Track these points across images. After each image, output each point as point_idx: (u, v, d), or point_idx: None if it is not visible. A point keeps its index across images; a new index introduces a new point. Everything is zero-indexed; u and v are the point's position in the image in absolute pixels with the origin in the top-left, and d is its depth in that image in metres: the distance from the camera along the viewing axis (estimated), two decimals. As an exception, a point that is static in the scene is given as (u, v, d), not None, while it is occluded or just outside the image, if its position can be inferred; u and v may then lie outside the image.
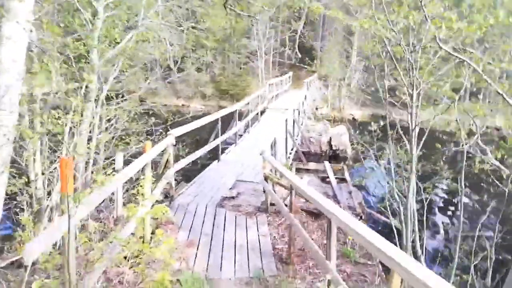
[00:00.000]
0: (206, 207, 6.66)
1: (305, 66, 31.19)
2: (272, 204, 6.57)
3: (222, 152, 10.31)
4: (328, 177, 8.72)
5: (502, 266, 5.15)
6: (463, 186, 4.85)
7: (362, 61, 27.38)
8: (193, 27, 27.33)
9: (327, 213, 3.47)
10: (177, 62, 29.00)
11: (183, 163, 7.60)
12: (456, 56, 4.39)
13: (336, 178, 8.60)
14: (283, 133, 10.88)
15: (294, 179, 4.59)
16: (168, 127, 8.40)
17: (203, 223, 6.02)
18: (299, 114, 13.21)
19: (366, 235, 2.72)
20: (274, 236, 5.67)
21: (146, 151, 5.23)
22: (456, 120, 5.08)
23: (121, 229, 4.35)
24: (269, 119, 15.90)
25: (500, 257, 4.74)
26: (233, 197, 7.16)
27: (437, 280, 1.95)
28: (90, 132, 7.12)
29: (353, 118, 26.83)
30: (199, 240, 5.39)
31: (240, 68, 30.26)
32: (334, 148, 16.13)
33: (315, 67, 30.69)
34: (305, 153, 13.54)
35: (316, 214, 6.41)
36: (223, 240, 5.42)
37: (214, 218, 6.20)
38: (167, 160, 6.85)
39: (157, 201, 5.60)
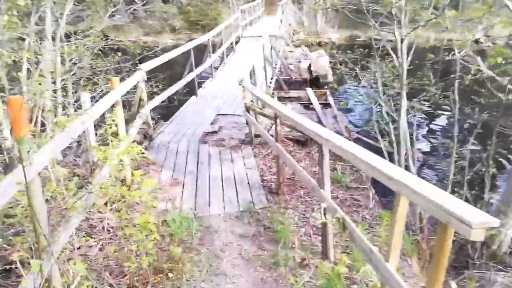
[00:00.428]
0: (188, 144, 6.36)
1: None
2: (256, 136, 6.31)
3: (199, 86, 9.79)
4: (311, 103, 8.42)
5: (494, 179, 5.16)
6: (457, 98, 4.64)
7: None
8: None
9: (317, 137, 3.20)
10: (140, -7, 26.84)
11: (158, 100, 7.14)
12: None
13: (320, 103, 8.32)
14: (261, 61, 10.34)
15: (279, 106, 4.27)
16: (137, 63, 7.78)
17: (186, 161, 5.75)
18: (276, 39, 12.51)
19: (366, 158, 2.47)
20: (262, 168, 5.48)
21: (114, 87, 4.74)
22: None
23: (97, 174, 4.04)
24: (244, 48, 15.15)
25: (494, 170, 4.69)
26: (215, 132, 6.85)
27: (452, 200, 1.73)
28: (52, 73, 6.51)
29: (331, 41, 26.01)
30: (184, 179, 5.16)
31: (209, -4, 28.32)
32: (314, 74, 15.65)
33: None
34: (285, 81, 13.09)
35: (302, 142, 6.21)
36: (209, 177, 5.20)
37: (198, 155, 5.93)
38: (140, 98, 6.38)
39: (134, 141, 5.26)
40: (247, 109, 6.09)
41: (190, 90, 9.53)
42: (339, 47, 25.64)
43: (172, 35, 26.90)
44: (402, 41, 4.60)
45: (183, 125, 7.39)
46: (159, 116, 8.61)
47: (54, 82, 6.17)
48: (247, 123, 6.46)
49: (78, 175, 4.69)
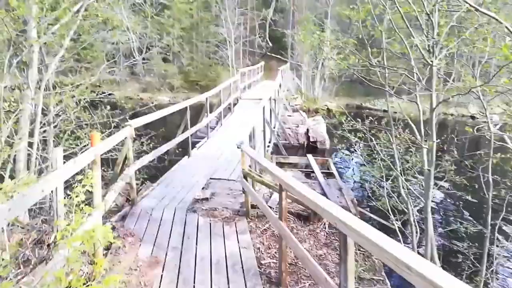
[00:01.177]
0: (174, 213, 5.55)
1: (277, 56, 30.21)
2: (253, 207, 5.55)
3: (193, 146, 9.17)
4: (312, 171, 7.78)
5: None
6: (490, 177, 4.00)
7: (334, 48, 26.64)
8: (156, 14, 25.74)
9: (341, 225, 2.48)
10: (142, 51, 27.37)
11: (146, 159, 6.44)
12: (483, 13, 3.44)
13: (322, 172, 7.67)
14: (260, 124, 9.83)
15: (285, 176, 3.57)
16: (128, 118, 7.19)
17: (170, 233, 4.91)
18: (275, 103, 12.21)
19: (417, 266, 1.74)
20: (258, 248, 4.65)
21: (93, 143, 4.06)
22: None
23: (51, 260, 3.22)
24: (242, 110, 14.86)
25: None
26: (206, 199, 6.08)
27: None
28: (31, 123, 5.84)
29: (327, 108, 26.15)
30: (166, 257, 4.30)
31: (209, 58, 28.93)
32: (312, 139, 15.30)
33: (287, 56, 29.79)
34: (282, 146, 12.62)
35: (304, 217, 5.45)
36: (196, 256, 4.34)
37: (185, 226, 5.11)
38: (126, 157, 5.69)
39: (110, 210, 4.46)
40: (245, 176, 5.38)
41: (183, 150, 8.90)
42: (334, 115, 25.78)
43: (170, 94, 27.00)
44: (433, 110, 4.04)
45: (172, 188, 6.62)
46: (146, 177, 7.87)
47: (32, 134, 5.49)
48: (243, 191, 5.72)
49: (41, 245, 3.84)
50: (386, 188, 5.62)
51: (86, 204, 3.79)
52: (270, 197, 6.07)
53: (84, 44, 8.47)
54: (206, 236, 4.87)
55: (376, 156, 5.94)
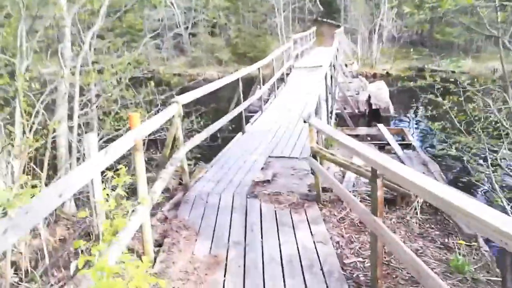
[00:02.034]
0: (233, 198, 4.84)
1: (328, 20, 28.33)
2: (324, 190, 4.67)
3: (247, 122, 8.39)
4: (387, 143, 6.69)
5: None
6: None
7: (393, 7, 24.28)
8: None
9: (498, 237, 1.55)
10: (187, 27, 26.80)
11: (198, 139, 5.74)
12: None
13: (399, 144, 6.56)
14: (320, 94, 8.80)
15: (383, 159, 2.64)
16: (176, 95, 6.53)
17: (230, 224, 4.20)
18: (334, 69, 11.02)
19: None
20: (338, 242, 3.79)
21: (133, 125, 3.36)
22: None
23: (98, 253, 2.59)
24: (297, 79, 13.81)
25: None
26: (268, 181, 5.29)
27: None
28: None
29: (386, 72, 24.18)
30: (227, 255, 3.58)
31: (257, 28, 27.73)
32: (374, 107, 13.94)
33: (340, 20, 27.81)
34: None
35: (389, 201, 4.47)
36: (263, 254, 3.58)
37: (246, 215, 4.37)
38: (175, 137, 5.01)
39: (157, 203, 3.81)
40: (314, 154, 4.49)
41: (237, 126, 8.15)
42: (394, 79, 23.81)
43: (219, 68, 26.34)
44: None
45: (228, 170, 5.91)
46: (199, 157, 7.25)
47: (71, 117, 4.99)
48: (311, 172, 4.84)
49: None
50: (493, 161, 4.45)
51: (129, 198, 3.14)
52: (343, 177, 5.15)
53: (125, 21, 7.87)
54: (272, 227, 4.09)
55: (475, 124, 4.75)
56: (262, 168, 5.82)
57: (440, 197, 1.89)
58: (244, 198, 4.83)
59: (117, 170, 2.83)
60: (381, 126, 7.75)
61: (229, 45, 27.27)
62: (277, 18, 25.49)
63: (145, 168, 3.57)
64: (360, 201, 4.03)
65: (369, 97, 14.14)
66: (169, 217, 4.52)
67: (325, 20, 29.15)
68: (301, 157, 6.22)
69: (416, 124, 13.98)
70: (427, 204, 4.36)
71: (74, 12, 5.27)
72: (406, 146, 6.69)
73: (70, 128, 5.16)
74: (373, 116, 13.82)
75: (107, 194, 2.69)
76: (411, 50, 22.50)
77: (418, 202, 4.29)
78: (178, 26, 26.05)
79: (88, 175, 2.55)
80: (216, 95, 8.87)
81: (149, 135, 6.80)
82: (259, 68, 9.20)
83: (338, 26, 29.03)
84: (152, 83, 6.35)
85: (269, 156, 6.36)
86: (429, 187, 2.01)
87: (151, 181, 4.18)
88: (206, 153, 7.32)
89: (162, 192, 4.79)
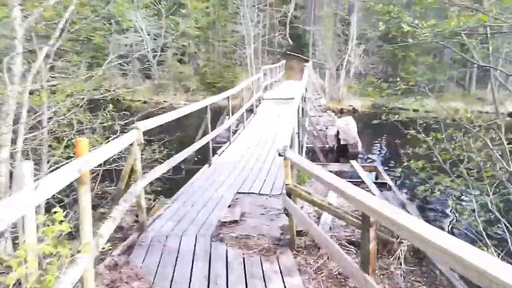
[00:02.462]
0: (195, 241, 4.23)
1: (297, 54, 28.81)
2: (299, 234, 4.19)
3: (214, 153, 7.87)
4: (361, 181, 6.35)
5: None
6: None
7: (361, 44, 25.06)
8: (171, 14, 24.63)
9: None
10: (156, 53, 26.32)
11: (159, 171, 5.13)
12: None
13: (373, 183, 6.25)
14: (290, 127, 8.48)
15: (376, 203, 2.20)
16: (137, 121, 5.95)
17: (191, 274, 3.59)
18: (305, 102, 10.82)
19: None
20: (316, 299, 3.28)
21: (79, 153, 2.77)
22: None
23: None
24: (267, 111, 13.55)
25: None
26: (236, 221, 4.74)
27: None
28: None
29: (353, 109, 24.58)
30: (185, 317, 2.97)
31: (227, 59, 27.70)
32: (343, 142, 13.81)
33: (308, 55, 28.34)
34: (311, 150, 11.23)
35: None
36: (229, 315, 3.00)
37: (210, 264, 3.77)
38: (133, 168, 4.41)
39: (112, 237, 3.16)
40: (289, 193, 4.02)
41: (203, 157, 7.61)
42: (360, 116, 24.25)
43: (186, 96, 25.81)
44: None
45: (191, 206, 5.32)
46: (160, 189, 6.61)
47: (15, 141, 4.28)
48: (285, 213, 4.35)
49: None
50: (481, 201, 4.16)
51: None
52: (318, 218, 4.70)
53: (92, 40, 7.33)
54: (240, 279, 3.52)
55: (458, 165, 4.51)
56: (229, 206, 5.27)
57: (474, 265, 1.45)
58: (208, 241, 4.24)
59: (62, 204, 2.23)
60: (354, 162, 7.48)
61: (197, 73, 26.97)
62: (247, 50, 25.60)
63: (100, 203, 2.98)
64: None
65: (338, 132, 14.05)
66: (119, 263, 3.85)
67: (294, 53, 29.62)
68: (271, 194, 5.75)
69: (384, 162, 13.98)
70: (411, 253, 3.97)
71: (30, 25, 4.68)
72: (381, 185, 6.40)
73: (14, 154, 4.44)
74: (341, 151, 13.68)
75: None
76: (377, 85, 23.06)
77: (401, 250, 3.88)
78: (147, 51, 25.56)
79: (15, 213, 1.94)
80: (182, 123, 8.34)
81: (105, 164, 6.13)
82: (228, 97, 8.80)
83: (307, 61, 29.62)
84: (111, 105, 5.75)
85: (237, 192, 5.84)
86: (452, 247, 1.57)
87: (104, 218, 3.55)
88: (168, 186, 6.69)
89: (115, 230, 4.15)
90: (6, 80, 4.39)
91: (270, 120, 11.67)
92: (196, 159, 7.98)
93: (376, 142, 18.28)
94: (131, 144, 4.29)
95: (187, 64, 27.25)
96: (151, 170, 4.92)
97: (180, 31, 24.70)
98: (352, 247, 4.05)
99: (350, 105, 25.18)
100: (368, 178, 6.42)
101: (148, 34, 24.08)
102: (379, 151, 16.74)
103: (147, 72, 26.90)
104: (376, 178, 6.98)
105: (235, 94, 10.09)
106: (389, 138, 20.21)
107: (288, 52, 29.83)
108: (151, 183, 5.56)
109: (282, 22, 29.80)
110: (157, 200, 6.31)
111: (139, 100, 18.58)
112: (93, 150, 3.29)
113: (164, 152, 6.80)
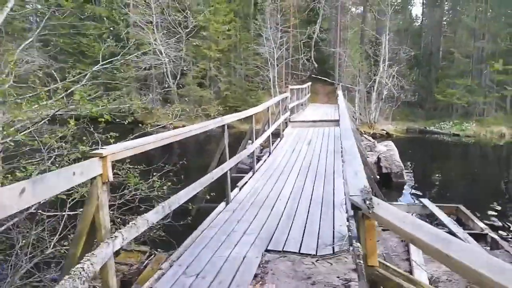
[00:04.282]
0: None
1: (322, 78, 27.14)
2: None
3: (233, 186, 6.03)
4: (448, 231, 4.35)
5: None
6: None
7: (393, 65, 23.20)
8: (191, 36, 23.60)
9: None
10: (176, 77, 25.23)
11: (143, 223, 3.28)
12: None
13: (468, 233, 4.22)
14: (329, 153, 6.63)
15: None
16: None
17: None
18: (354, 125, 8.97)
19: None
20: None
21: None
22: None
23: None
24: (295, 135, 11.73)
25: None
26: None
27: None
28: None
29: (386, 133, 22.48)
30: None
31: (249, 82, 26.29)
32: (385, 170, 11.81)
33: (334, 78, 26.65)
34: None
35: None
36: None
37: None
38: (94, 222, 2.61)
39: None
40: (373, 280, 2.11)
41: (219, 193, 5.78)
42: (394, 140, 22.10)
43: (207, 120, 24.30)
44: None
45: (196, 277, 3.43)
46: (157, 239, 4.80)
47: None
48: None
49: None
50: None
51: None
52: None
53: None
54: None
55: None
56: (255, 277, 3.36)
57: None
58: None
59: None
60: (426, 201, 5.48)
61: (218, 98, 25.58)
62: (270, 72, 24.11)
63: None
64: None
65: (378, 159, 12.07)
66: None
67: (319, 77, 27.98)
68: (319, 254, 3.81)
69: (437, 196, 11.81)
70: None
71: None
72: (477, 237, 4.35)
73: None
74: (384, 181, 11.65)
75: None
76: (406, 111, 21.07)
77: None
78: (166, 76, 24.50)
79: None
80: (203, 148, 6.64)
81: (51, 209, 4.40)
82: (253, 115, 7.04)
83: (332, 84, 27.91)
84: (72, 121, 4.06)
85: (266, 250, 3.93)
86: None
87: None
88: (171, 231, 4.86)
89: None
90: None
91: (302, 146, 9.84)
92: (208, 196, 6.20)
93: (418, 170, 16.12)
94: (91, 182, 2.54)
95: (208, 88, 25.97)
96: (131, 221, 3.08)
97: (201, 54, 23.55)
98: None
99: (383, 129, 23.10)
100: (456, 225, 4.39)
101: (168, 57, 23.01)
102: (429, 181, 14.53)
103: (167, 96, 25.78)
104: (459, 222, 4.94)
105: (258, 117, 8.37)
106: (432, 164, 17.99)
107: (313, 75, 28.19)
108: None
109: (307, 45, 28.33)
110: (152, 256, 4.49)
111: (158, 125, 17.18)
112: None
113: (164, 187, 5.01)
